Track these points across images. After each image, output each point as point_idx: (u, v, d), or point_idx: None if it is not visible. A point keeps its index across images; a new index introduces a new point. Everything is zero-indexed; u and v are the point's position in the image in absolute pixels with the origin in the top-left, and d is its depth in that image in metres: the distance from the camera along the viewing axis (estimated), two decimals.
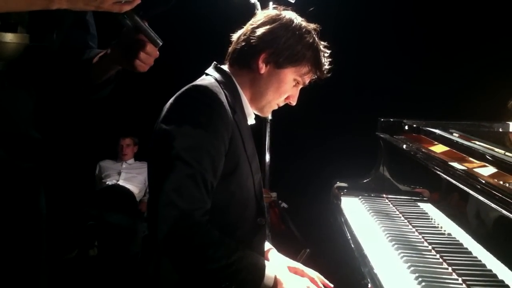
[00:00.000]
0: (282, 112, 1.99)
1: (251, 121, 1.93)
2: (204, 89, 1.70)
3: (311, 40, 1.86)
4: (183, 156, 1.59)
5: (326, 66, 1.91)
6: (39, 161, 1.69)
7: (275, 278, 1.66)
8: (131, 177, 4.88)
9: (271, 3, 3.17)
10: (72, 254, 4.28)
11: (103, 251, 4.33)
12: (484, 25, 4.07)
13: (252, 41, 1.83)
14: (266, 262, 1.72)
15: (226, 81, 1.82)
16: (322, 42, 1.91)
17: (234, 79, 1.86)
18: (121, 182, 4.79)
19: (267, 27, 1.83)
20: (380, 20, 4.36)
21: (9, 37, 1.43)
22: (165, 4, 1.46)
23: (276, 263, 1.89)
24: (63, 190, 4.27)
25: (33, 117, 1.62)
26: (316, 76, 1.91)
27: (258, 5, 3.41)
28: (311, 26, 1.89)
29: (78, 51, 1.66)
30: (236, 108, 1.77)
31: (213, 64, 1.91)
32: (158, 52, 1.51)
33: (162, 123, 1.68)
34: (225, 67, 1.89)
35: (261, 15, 1.90)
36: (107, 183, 4.80)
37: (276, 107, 1.94)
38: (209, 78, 1.82)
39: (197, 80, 1.81)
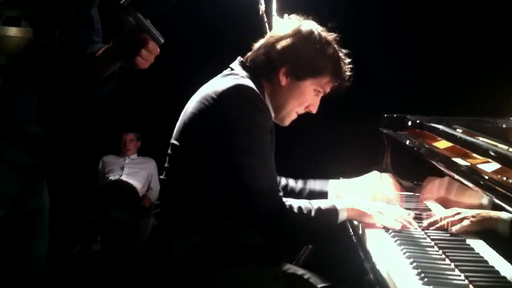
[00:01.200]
0: None
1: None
2: (252, 90, 1.77)
3: (331, 52, 1.88)
4: (252, 154, 1.73)
5: (347, 74, 1.93)
6: (42, 156, 1.69)
7: (349, 210, 1.86)
8: (134, 172, 4.88)
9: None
10: (75, 250, 4.29)
11: (106, 247, 4.34)
12: (489, 22, 4.06)
13: (272, 55, 1.87)
14: (336, 200, 1.93)
15: (257, 85, 1.84)
16: (343, 50, 1.93)
17: (263, 85, 1.89)
18: (124, 177, 4.78)
19: (288, 40, 1.86)
20: (384, 16, 4.34)
21: (13, 31, 1.43)
22: (167, 2, 1.46)
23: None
24: (66, 185, 4.27)
25: (36, 112, 1.62)
26: (338, 84, 1.94)
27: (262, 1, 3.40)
28: (331, 36, 1.91)
29: (82, 47, 1.66)
30: None
31: (239, 60, 1.93)
32: (159, 50, 1.51)
33: (216, 122, 1.74)
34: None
35: (281, 26, 1.93)
36: (110, 178, 4.80)
37: (295, 116, 1.98)
38: (244, 75, 1.86)
39: (234, 76, 1.85)
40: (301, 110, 1.96)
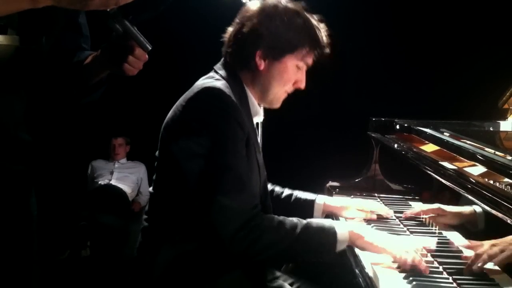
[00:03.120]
0: (274, 112, 1.98)
1: (259, 118, 1.92)
2: (219, 92, 1.67)
3: (301, 21, 1.78)
4: (219, 161, 1.61)
5: (325, 40, 1.83)
6: (30, 163, 1.69)
7: (350, 233, 1.66)
8: (123, 177, 4.87)
9: None
10: (64, 255, 4.27)
11: (95, 252, 4.32)
12: (476, 26, 4.09)
13: (243, 41, 1.78)
14: (333, 221, 1.75)
15: (233, 81, 1.78)
16: (315, 16, 1.83)
17: (241, 79, 1.82)
18: (113, 182, 4.77)
19: (254, 21, 1.77)
20: (373, 21, 4.37)
21: None
22: (155, 9, 1.46)
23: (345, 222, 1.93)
24: (55, 191, 4.26)
25: (24, 119, 1.62)
26: (319, 54, 1.83)
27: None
28: (298, 5, 1.81)
29: (70, 53, 1.65)
30: (243, 109, 1.74)
31: (222, 60, 1.86)
32: (147, 56, 1.51)
33: (182, 130, 1.67)
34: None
35: (244, 10, 1.83)
36: (99, 183, 4.79)
37: (285, 95, 1.87)
38: (219, 77, 1.78)
39: (208, 79, 1.77)
40: (290, 89, 1.85)
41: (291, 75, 1.82)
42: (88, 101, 1.72)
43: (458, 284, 1.45)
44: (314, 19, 1.82)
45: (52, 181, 4.23)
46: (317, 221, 1.71)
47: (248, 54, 1.78)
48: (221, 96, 1.67)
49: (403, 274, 1.50)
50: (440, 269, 1.56)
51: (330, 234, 1.66)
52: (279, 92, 1.84)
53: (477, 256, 1.53)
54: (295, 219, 1.67)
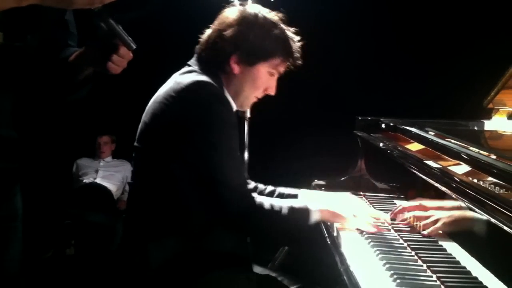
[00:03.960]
0: (261, 110, 2.01)
1: None
2: (211, 84, 1.78)
3: (278, 32, 1.88)
4: (219, 149, 1.73)
5: (298, 53, 1.93)
6: (15, 161, 1.68)
7: (322, 211, 1.83)
8: (109, 175, 4.85)
9: (250, 1, 3.17)
10: (49, 254, 4.24)
11: (80, 250, 4.29)
12: (461, 27, 4.12)
13: (221, 45, 1.87)
14: (308, 201, 1.89)
15: (213, 78, 1.84)
16: (291, 29, 1.93)
17: (220, 78, 1.89)
18: (98, 180, 4.75)
19: (233, 28, 1.86)
20: (359, 20, 4.38)
21: None
22: (141, 9, 1.46)
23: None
24: (40, 189, 4.22)
25: (9, 116, 1.61)
26: (291, 64, 1.94)
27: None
28: (276, 16, 1.91)
29: (56, 51, 1.65)
30: None
31: (196, 57, 1.93)
32: (132, 55, 1.51)
33: (181, 122, 1.74)
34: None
35: (225, 16, 1.91)
36: (84, 181, 4.76)
37: (255, 100, 1.98)
38: (199, 72, 1.85)
39: (190, 73, 1.84)
40: (260, 94, 1.97)
41: (263, 81, 1.92)
42: (74, 98, 1.71)
43: (442, 282, 1.46)
44: (290, 31, 1.93)
45: (36, 179, 4.19)
46: (296, 202, 1.86)
47: (225, 58, 1.88)
48: (213, 88, 1.78)
49: (389, 273, 1.51)
50: (424, 267, 1.57)
51: (305, 213, 1.82)
52: (250, 96, 1.95)
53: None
54: (279, 201, 1.83)
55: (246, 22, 1.86)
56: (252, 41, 1.85)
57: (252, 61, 1.88)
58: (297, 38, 1.94)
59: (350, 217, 1.87)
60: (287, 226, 1.82)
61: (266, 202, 1.79)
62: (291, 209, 1.80)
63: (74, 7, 1.23)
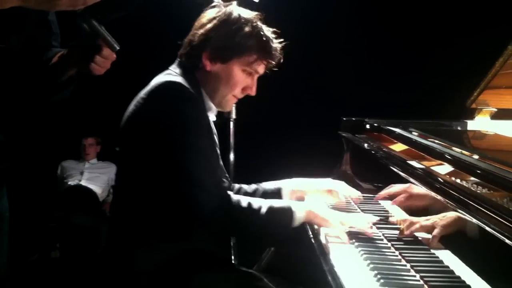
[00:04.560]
0: (246, 111, 2.01)
1: (212, 117, 1.96)
2: (179, 85, 1.76)
3: (249, 29, 1.87)
4: (188, 148, 1.70)
5: (276, 51, 1.91)
6: (1, 163, 1.66)
7: (307, 212, 1.79)
8: (94, 177, 4.82)
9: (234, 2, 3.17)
10: (34, 257, 4.21)
11: (65, 253, 4.27)
12: (444, 27, 4.15)
13: (194, 43, 1.88)
14: (292, 202, 1.86)
15: (189, 79, 1.84)
16: (269, 28, 1.92)
17: (196, 78, 1.89)
18: (83, 182, 4.72)
19: (207, 27, 1.87)
20: (344, 20, 4.40)
21: None
22: (123, 9, 1.46)
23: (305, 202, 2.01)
24: (24, 192, 4.19)
25: None
26: (268, 63, 1.92)
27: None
28: (251, 15, 1.91)
29: (39, 52, 1.64)
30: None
31: (177, 61, 1.94)
32: (115, 56, 1.51)
33: (149, 124, 1.73)
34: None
35: (201, 16, 1.93)
36: (69, 183, 4.73)
37: (234, 100, 1.97)
38: (176, 74, 1.86)
39: (166, 75, 1.84)
40: (239, 94, 1.95)
41: (238, 79, 1.90)
42: (58, 99, 1.71)
43: (425, 282, 1.47)
44: (267, 31, 1.91)
45: (22, 181, 4.16)
46: (278, 202, 1.82)
47: (197, 54, 1.88)
48: (182, 88, 1.76)
49: (373, 272, 1.51)
50: (408, 266, 1.58)
51: (288, 214, 1.78)
52: (227, 96, 1.93)
53: (411, 224, 1.76)
54: (258, 200, 1.79)
55: (219, 19, 1.87)
56: (224, 37, 1.85)
57: (225, 58, 1.87)
58: (275, 37, 1.92)
59: (337, 223, 1.82)
60: (267, 227, 1.78)
61: (244, 201, 1.76)
62: (272, 209, 1.77)
63: (56, 9, 1.23)
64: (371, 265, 1.56)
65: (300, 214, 1.79)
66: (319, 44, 4.36)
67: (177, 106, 1.73)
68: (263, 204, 1.77)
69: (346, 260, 1.64)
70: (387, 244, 1.77)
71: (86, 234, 4.24)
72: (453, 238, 1.67)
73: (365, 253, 1.66)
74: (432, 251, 1.70)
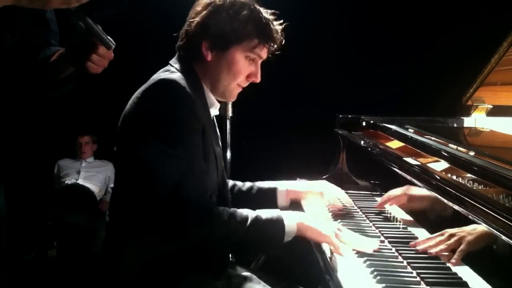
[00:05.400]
0: (243, 109, 1.99)
1: (215, 111, 1.92)
2: (174, 84, 1.68)
3: (247, 13, 1.79)
4: (174, 153, 1.61)
5: (277, 34, 1.84)
6: None
7: (298, 224, 1.71)
8: (90, 176, 4.80)
9: None
10: (30, 256, 4.20)
11: (62, 252, 4.26)
12: (438, 23, 4.15)
13: (191, 34, 1.81)
14: (283, 213, 1.74)
15: (188, 74, 1.79)
16: (267, 10, 1.85)
17: (196, 71, 1.83)
18: (80, 181, 4.71)
19: (202, 14, 1.80)
20: (337, 17, 4.40)
21: None
22: (117, 6, 1.45)
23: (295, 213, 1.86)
24: (21, 190, 4.18)
25: None
26: (271, 46, 1.85)
27: None
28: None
29: (36, 49, 1.64)
30: (199, 101, 1.75)
31: (176, 55, 1.89)
32: (112, 54, 1.50)
33: (137, 123, 1.67)
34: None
35: (196, 5, 1.86)
36: (66, 182, 4.72)
37: (239, 89, 1.89)
38: (174, 70, 1.79)
39: (164, 72, 1.79)
40: (243, 82, 1.86)
41: (240, 67, 1.82)
42: (55, 96, 1.70)
43: (422, 278, 1.47)
44: (266, 13, 1.84)
45: (18, 180, 4.15)
46: (266, 213, 1.72)
47: (195, 45, 1.81)
48: (176, 87, 1.68)
49: (369, 269, 1.52)
50: (405, 263, 1.58)
51: (279, 226, 1.70)
52: (231, 85, 1.85)
53: (437, 243, 1.63)
54: (245, 212, 1.70)
55: (214, 6, 1.79)
56: (221, 23, 1.78)
57: (224, 45, 1.79)
58: (275, 19, 1.85)
59: (332, 236, 1.71)
60: (255, 238, 1.68)
61: (227, 212, 1.67)
62: (260, 221, 1.68)
63: (49, 7, 1.22)
64: (368, 262, 1.56)
65: (291, 227, 1.71)
66: (313, 42, 4.35)
67: (165, 108, 1.65)
68: (250, 216, 1.68)
69: (343, 257, 1.65)
70: (384, 241, 1.78)
71: (83, 233, 4.24)
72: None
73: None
74: None
